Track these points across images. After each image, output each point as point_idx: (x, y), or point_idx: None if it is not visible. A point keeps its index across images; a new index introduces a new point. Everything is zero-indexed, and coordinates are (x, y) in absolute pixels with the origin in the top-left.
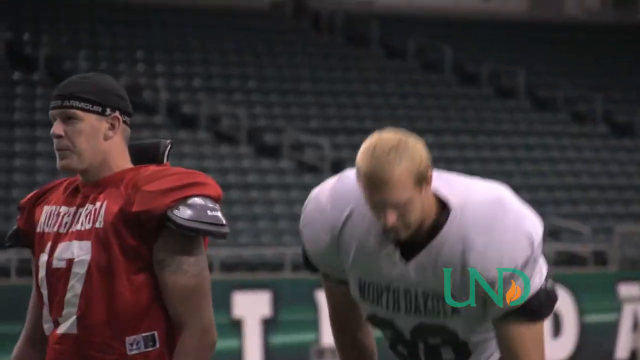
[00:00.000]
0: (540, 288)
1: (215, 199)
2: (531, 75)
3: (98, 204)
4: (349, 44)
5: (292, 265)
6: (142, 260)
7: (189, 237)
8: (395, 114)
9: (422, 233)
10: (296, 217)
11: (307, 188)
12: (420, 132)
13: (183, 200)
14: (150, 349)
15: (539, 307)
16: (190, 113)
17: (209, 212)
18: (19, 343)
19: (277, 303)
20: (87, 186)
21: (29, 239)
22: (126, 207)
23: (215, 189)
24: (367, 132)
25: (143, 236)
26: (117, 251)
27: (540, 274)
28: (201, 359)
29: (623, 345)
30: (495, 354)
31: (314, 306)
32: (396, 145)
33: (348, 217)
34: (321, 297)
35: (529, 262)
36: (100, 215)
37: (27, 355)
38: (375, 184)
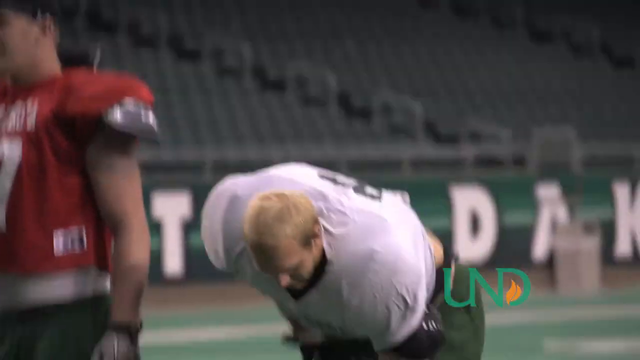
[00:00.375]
0: (420, 330)
1: (147, 103)
2: None
3: (29, 105)
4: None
5: (213, 167)
6: (73, 163)
7: (123, 140)
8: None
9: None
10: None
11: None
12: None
13: (118, 104)
14: (77, 250)
15: (417, 349)
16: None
17: (142, 116)
18: None
19: (196, 204)
20: (18, 88)
21: None
22: (59, 110)
23: (147, 93)
24: None
25: (76, 139)
26: (49, 153)
27: (418, 318)
28: (141, 254)
29: (540, 246)
30: None
31: None
32: (279, 214)
33: (241, 252)
34: None
35: (404, 315)
36: (31, 117)
37: None
38: (263, 257)
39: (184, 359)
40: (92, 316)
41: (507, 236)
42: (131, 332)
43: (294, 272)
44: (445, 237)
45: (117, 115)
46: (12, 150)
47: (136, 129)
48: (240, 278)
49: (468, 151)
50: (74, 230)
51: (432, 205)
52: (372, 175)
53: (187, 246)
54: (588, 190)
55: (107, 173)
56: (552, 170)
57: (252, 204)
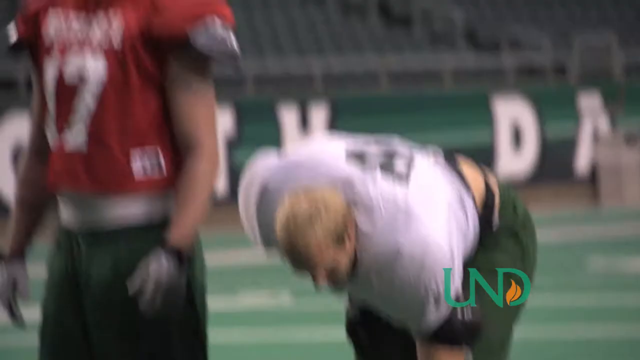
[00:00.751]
0: (454, 318)
1: (231, 24)
2: None
3: (113, 18)
4: None
5: (254, 81)
6: (154, 82)
7: (205, 62)
8: None
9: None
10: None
11: None
12: None
13: (204, 25)
14: (155, 167)
15: (452, 336)
16: None
17: (227, 39)
18: (25, 161)
19: (239, 121)
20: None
21: (32, 47)
22: (146, 29)
23: (230, 14)
24: None
25: (159, 58)
26: (134, 72)
27: (450, 307)
28: (208, 178)
29: (583, 159)
30: None
31: (276, 123)
32: (308, 217)
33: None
34: (284, 113)
35: (435, 305)
36: (117, 33)
37: (34, 168)
38: (297, 261)
39: (228, 279)
40: (160, 238)
41: (549, 149)
42: (182, 257)
43: (331, 272)
44: (487, 152)
45: (203, 38)
46: (97, 68)
47: (220, 53)
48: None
49: (509, 60)
50: (149, 150)
51: (473, 118)
52: (414, 87)
53: (231, 165)
54: (630, 99)
55: (186, 93)
56: (593, 79)
57: (281, 208)
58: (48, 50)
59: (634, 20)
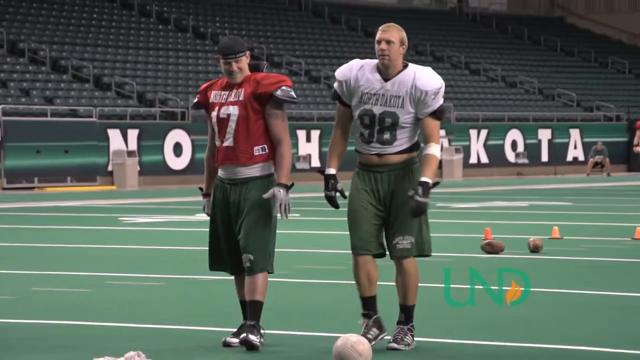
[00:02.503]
0: (442, 106)
1: (290, 86)
2: None
3: (240, 89)
4: None
5: None
6: (260, 113)
7: (281, 104)
8: None
9: (394, 72)
10: None
11: None
12: None
13: (279, 87)
14: (264, 152)
15: (441, 113)
16: None
17: (290, 93)
18: (207, 151)
19: None
20: (231, 84)
21: (204, 106)
22: (254, 91)
23: (290, 82)
24: None
25: (262, 103)
26: (250, 110)
27: (441, 101)
28: (289, 154)
29: None
30: (406, 142)
31: None
32: (394, 25)
33: (361, 66)
34: None
35: (440, 92)
36: (241, 94)
37: (211, 156)
38: (384, 30)
39: None
40: (269, 183)
41: None
42: (288, 187)
43: (390, 47)
44: None
45: (279, 93)
46: (235, 110)
47: (288, 99)
48: (351, 92)
49: None
50: (260, 144)
51: None
52: None
53: None
54: None
55: (274, 118)
56: None
57: None
58: (213, 106)
59: None
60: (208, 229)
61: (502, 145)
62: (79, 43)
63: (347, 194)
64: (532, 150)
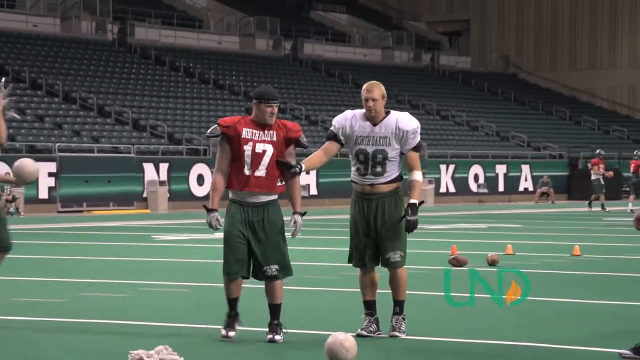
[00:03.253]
0: (419, 142)
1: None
2: None
3: (272, 131)
4: None
5: None
6: (284, 152)
7: (299, 146)
8: None
9: (379, 118)
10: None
11: None
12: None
13: (301, 134)
14: (282, 184)
15: (419, 147)
16: None
17: (305, 139)
18: (220, 174)
19: None
20: (260, 125)
21: (230, 138)
22: (284, 135)
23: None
24: None
25: (288, 144)
26: (280, 149)
27: (418, 139)
28: (300, 189)
29: None
30: (393, 173)
31: None
32: (375, 83)
33: (353, 116)
34: None
35: (417, 130)
36: (274, 136)
37: (222, 179)
38: (369, 90)
39: None
40: (279, 206)
41: None
42: (302, 214)
43: (376, 103)
44: None
45: (302, 139)
46: (268, 149)
47: (306, 145)
48: (344, 134)
49: None
50: (280, 177)
51: None
52: None
53: None
54: None
55: (291, 157)
56: None
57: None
58: (246, 141)
59: None
60: (225, 239)
61: (467, 178)
62: (120, 92)
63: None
64: (491, 182)
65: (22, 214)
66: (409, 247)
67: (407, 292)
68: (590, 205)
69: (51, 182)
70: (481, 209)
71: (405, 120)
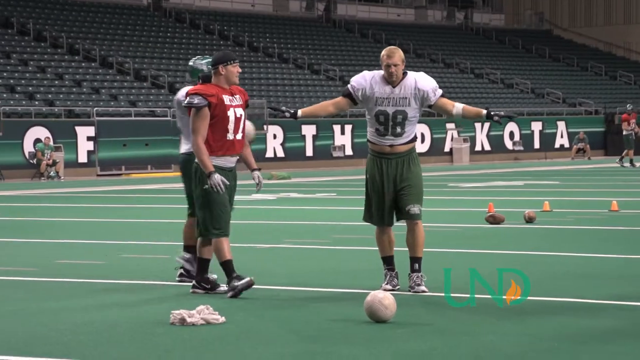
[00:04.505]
0: (443, 93)
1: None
2: None
3: (237, 95)
4: None
5: None
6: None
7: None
8: None
9: (398, 80)
10: None
11: None
12: None
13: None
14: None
15: (444, 95)
16: None
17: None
18: (199, 139)
19: None
20: (230, 90)
21: (215, 106)
22: (244, 98)
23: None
24: None
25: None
26: (244, 110)
27: (441, 92)
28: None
29: None
30: (411, 133)
31: None
32: (394, 48)
33: (372, 77)
34: None
35: (437, 87)
36: (240, 99)
37: (203, 143)
38: (389, 56)
39: None
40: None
41: None
42: (259, 170)
43: (397, 69)
44: None
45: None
46: (243, 113)
47: (248, 105)
48: (362, 95)
49: None
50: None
51: None
52: None
53: None
54: None
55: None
56: None
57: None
58: (229, 106)
59: None
60: (214, 204)
61: (502, 136)
62: (156, 56)
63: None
64: (527, 139)
65: (62, 177)
66: (446, 202)
67: (438, 249)
68: (621, 161)
69: (90, 145)
70: (517, 167)
71: (423, 81)
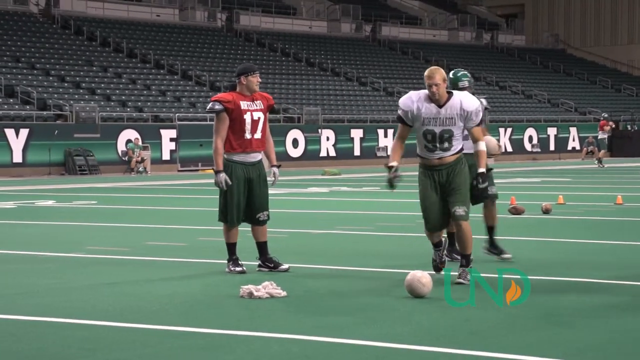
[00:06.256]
0: (482, 119)
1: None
2: None
3: (258, 101)
4: None
5: None
6: (266, 115)
7: (273, 111)
8: None
9: (444, 100)
10: None
11: None
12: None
13: (273, 103)
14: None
15: (482, 123)
16: None
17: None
18: (222, 141)
19: None
20: (249, 96)
21: (231, 111)
22: (266, 103)
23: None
24: None
25: (268, 110)
26: (265, 114)
27: (480, 116)
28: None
29: None
30: (458, 145)
31: None
32: (436, 68)
33: (419, 98)
34: None
35: (479, 109)
36: (260, 104)
37: (222, 144)
38: (430, 76)
39: None
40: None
41: None
42: (279, 167)
43: (438, 87)
44: None
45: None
46: (261, 115)
47: (277, 110)
48: (412, 117)
49: None
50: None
51: None
52: None
53: None
54: None
55: (267, 120)
56: None
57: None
58: (245, 111)
59: None
60: (227, 196)
61: (522, 139)
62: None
63: (397, 182)
64: (543, 142)
65: (149, 172)
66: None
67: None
68: (600, 162)
69: (172, 146)
70: (535, 166)
71: (467, 101)
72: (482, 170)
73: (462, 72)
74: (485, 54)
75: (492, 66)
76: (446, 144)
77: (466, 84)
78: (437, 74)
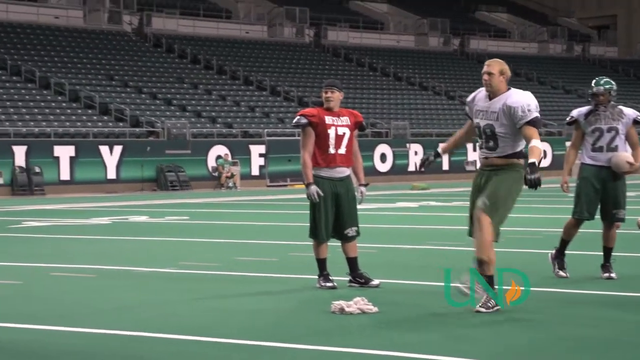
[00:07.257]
0: (537, 117)
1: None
2: None
3: (346, 117)
4: None
5: None
6: (354, 132)
7: (362, 128)
8: None
9: (497, 94)
10: None
11: None
12: None
13: (362, 121)
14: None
15: (534, 123)
16: None
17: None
18: (310, 156)
19: None
20: (337, 112)
21: (315, 125)
22: (354, 120)
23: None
24: None
25: (356, 127)
26: (352, 130)
27: (536, 114)
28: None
29: None
30: (507, 149)
31: None
32: (497, 60)
33: (480, 91)
34: None
35: (529, 107)
36: (348, 121)
37: (309, 157)
38: (488, 64)
39: None
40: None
41: None
42: (366, 185)
43: (491, 77)
44: None
45: (364, 123)
46: (347, 131)
47: (364, 127)
48: (472, 110)
49: None
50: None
51: None
52: None
53: None
54: None
55: (355, 137)
56: None
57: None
58: (329, 126)
59: None
60: (315, 212)
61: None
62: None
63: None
64: None
65: (238, 187)
66: (553, 210)
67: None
68: None
69: (261, 161)
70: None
71: (515, 97)
72: (532, 160)
73: (604, 80)
74: (577, 66)
75: (584, 78)
76: (491, 143)
77: (601, 89)
78: (496, 64)
